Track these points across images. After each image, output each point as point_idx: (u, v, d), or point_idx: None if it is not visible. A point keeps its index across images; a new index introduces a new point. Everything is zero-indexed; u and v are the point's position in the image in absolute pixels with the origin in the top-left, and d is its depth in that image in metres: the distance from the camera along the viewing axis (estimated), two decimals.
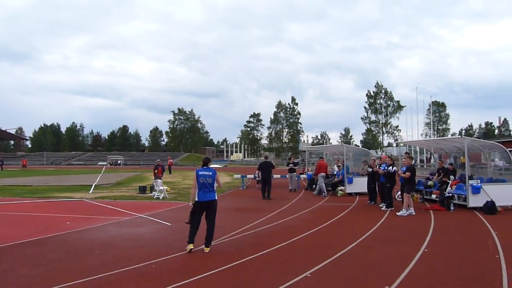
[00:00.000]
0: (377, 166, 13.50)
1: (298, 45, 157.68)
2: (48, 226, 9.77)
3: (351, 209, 12.89)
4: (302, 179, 22.87)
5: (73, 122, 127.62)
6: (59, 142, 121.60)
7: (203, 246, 7.16)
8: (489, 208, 11.37)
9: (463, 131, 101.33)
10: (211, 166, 7.80)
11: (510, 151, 13.54)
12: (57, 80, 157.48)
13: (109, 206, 13.50)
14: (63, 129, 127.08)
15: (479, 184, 12.06)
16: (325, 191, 17.17)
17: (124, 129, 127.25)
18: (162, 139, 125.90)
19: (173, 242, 7.85)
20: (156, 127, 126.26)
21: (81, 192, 18.09)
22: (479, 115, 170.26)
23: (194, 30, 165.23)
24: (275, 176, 24.34)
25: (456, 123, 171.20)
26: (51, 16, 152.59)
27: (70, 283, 5.34)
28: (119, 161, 78.94)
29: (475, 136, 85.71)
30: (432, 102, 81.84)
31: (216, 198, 7.35)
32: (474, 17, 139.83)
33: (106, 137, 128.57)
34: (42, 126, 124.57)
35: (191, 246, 7.05)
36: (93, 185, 20.62)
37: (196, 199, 7.18)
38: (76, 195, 16.82)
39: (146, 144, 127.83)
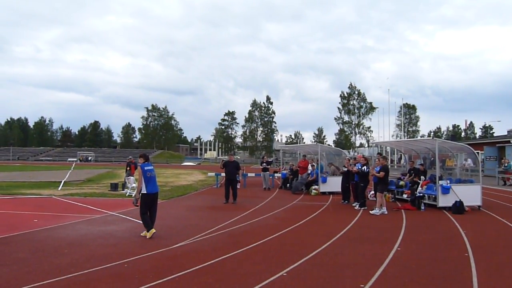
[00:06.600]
0: (351, 166, 13.69)
1: (275, 45, 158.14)
2: (14, 224, 9.38)
3: (325, 208, 13.00)
4: (276, 177, 22.95)
5: (42, 117, 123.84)
6: (27, 137, 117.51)
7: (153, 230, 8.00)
8: (458, 208, 11.71)
9: (432, 133, 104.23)
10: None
11: (476, 153, 13.99)
12: (27, 73, 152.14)
13: (79, 204, 13.12)
14: (31, 124, 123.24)
15: (448, 185, 12.38)
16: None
17: (96, 124, 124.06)
18: (134, 135, 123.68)
19: (146, 241, 7.69)
20: (129, 123, 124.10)
21: (50, 189, 17.51)
22: (447, 118, 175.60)
23: (171, 26, 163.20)
24: (249, 174, 24.38)
25: (425, 125, 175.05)
26: (22, 6, 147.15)
27: (37, 283, 5.13)
28: (89, 158, 77.23)
29: (443, 138, 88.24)
30: (403, 104, 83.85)
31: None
32: (445, 23, 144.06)
33: (76, 133, 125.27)
34: (9, 120, 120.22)
35: (154, 230, 7.94)
36: (63, 181, 19.99)
37: (146, 192, 8.02)
38: (44, 192, 16.28)
39: (118, 140, 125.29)
